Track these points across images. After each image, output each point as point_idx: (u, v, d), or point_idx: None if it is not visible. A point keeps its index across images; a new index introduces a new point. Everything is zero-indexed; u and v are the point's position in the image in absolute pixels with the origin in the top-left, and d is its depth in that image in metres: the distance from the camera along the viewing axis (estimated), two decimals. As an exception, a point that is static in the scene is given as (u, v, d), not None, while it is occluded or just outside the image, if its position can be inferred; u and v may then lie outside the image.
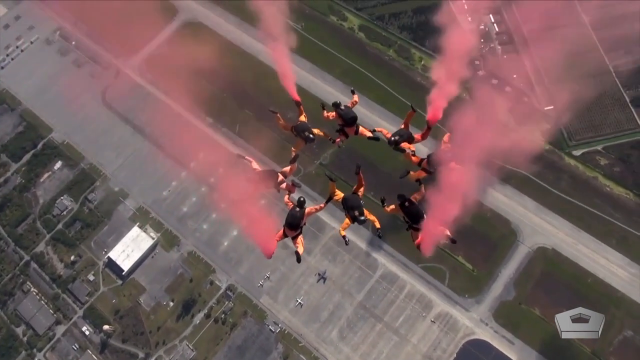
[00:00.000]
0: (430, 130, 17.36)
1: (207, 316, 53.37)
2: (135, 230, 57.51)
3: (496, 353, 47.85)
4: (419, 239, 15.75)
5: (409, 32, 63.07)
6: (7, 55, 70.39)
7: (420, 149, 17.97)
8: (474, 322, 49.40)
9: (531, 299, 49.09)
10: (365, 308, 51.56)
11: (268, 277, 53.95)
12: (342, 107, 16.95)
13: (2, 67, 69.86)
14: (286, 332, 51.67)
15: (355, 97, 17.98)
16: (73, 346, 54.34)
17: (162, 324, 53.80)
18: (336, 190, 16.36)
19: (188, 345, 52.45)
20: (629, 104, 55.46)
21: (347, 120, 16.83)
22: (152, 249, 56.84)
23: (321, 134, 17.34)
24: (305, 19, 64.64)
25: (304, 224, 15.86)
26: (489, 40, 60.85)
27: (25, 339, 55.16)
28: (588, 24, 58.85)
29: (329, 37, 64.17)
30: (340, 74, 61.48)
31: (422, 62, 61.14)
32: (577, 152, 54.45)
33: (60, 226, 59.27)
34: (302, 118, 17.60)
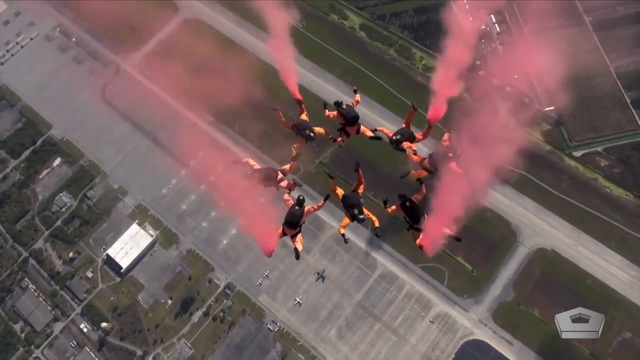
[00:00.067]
0: (431, 129, 17.32)
1: (206, 314, 53.30)
2: (134, 227, 57.41)
3: (495, 354, 47.79)
4: (421, 239, 15.69)
5: (410, 31, 62.93)
6: (7, 51, 70.18)
7: (421, 149, 17.90)
8: (472, 323, 49.35)
9: (530, 300, 49.03)
10: (364, 307, 51.50)
11: (267, 276, 53.89)
12: (344, 106, 16.93)
13: (2, 63, 69.63)
14: (284, 331, 51.61)
15: (357, 97, 17.98)
16: (71, 343, 54.26)
17: (161, 321, 53.72)
18: (337, 187, 16.35)
19: (186, 343, 52.38)
20: (630, 105, 55.36)
21: (349, 120, 16.80)
22: (150, 246, 56.75)
23: (322, 132, 17.28)
24: (306, 18, 64.52)
25: (303, 222, 15.83)
26: (490, 41, 60.71)
27: (23, 335, 55.08)
28: (589, 24, 58.80)
29: (330, 36, 64.04)
30: (341, 73, 61.35)
31: (423, 62, 61.01)
32: (577, 153, 54.35)
33: (59, 223, 59.16)
34: (304, 117, 17.56)
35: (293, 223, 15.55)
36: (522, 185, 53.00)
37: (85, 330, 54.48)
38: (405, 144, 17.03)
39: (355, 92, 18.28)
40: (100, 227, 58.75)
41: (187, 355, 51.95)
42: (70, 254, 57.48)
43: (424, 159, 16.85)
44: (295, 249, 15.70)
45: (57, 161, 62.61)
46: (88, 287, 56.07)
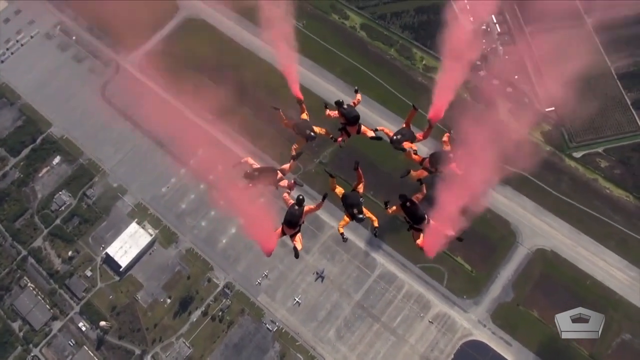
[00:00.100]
0: (431, 129, 17.29)
1: (204, 314, 53.23)
2: (134, 226, 57.33)
3: (493, 354, 47.75)
4: (421, 240, 15.66)
5: (410, 31, 62.88)
6: (7, 49, 70.10)
7: (421, 149, 17.85)
8: (471, 323, 49.30)
9: (530, 300, 48.99)
10: (363, 308, 51.44)
11: (266, 276, 53.82)
12: (345, 106, 16.91)
13: (2, 61, 69.56)
14: (283, 330, 51.55)
15: (358, 96, 18.00)
16: (69, 342, 54.18)
17: (159, 320, 53.65)
18: (336, 186, 16.34)
19: (185, 343, 52.32)
20: (630, 107, 55.36)
21: (350, 119, 16.80)
22: (150, 245, 56.66)
23: (323, 132, 17.27)
24: (307, 17, 64.48)
25: (303, 222, 15.80)
26: (491, 41, 60.68)
27: (21, 334, 54.99)
28: (590, 25, 58.71)
29: (330, 35, 63.97)
30: (341, 73, 61.29)
31: (424, 62, 60.95)
32: (577, 154, 54.32)
33: (58, 221, 59.07)
34: (304, 116, 17.55)
35: (292, 223, 15.52)
36: (522, 186, 52.96)
37: (83, 329, 54.41)
38: (406, 144, 16.99)
39: (356, 91, 18.32)
40: (99, 225, 58.67)
41: (186, 354, 51.89)
42: (69, 253, 57.39)
43: (425, 158, 16.81)
44: (295, 248, 15.67)
45: (57, 159, 62.52)
46: (87, 286, 56.00)
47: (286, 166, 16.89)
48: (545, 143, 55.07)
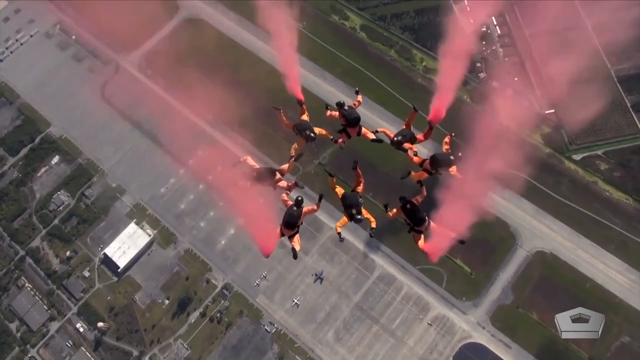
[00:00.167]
0: (432, 130, 17.22)
1: (203, 315, 53.03)
2: (132, 227, 57.14)
3: (493, 357, 47.63)
4: (424, 243, 15.59)
5: (410, 32, 62.87)
6: (7, 48, 69.93)
7: (421, 150, 17.78)
8: (471, 326, 49.17)
9: (529, 303, 48.88)
10: (362, 309, 51.28)
11: (264, 277, 53.65)
12: (346, 108, 16.86)
13: (1, 60, 69.38)
14: (282, 332, 51.37)
15: (359, 98, 17.97)
16: (67, 343, 53.93)
17: (157, 322, 53.43)
18: (336, 186, 16.30)
19: (183, 344, 52.11)
20: (630, 109, 55.39)
21: (351, 121, 16.74)
22: (148, 246, 56.47)
23: (323, 133, 17.21)
24: (307, 18, 64.37)
25: (301, 223, 15.72)
26: (491, 43, 60.71)
27: (18, 334, 54.73)
28: (590, 28, 58.73)
29: (330, 36, 63.93)
30: (341, 74, 61.23)
31: (424, 63, 60.91)
32: (577, 157, 54.29)
33: (56, 221, 58.87)
34: (305, 117, 17.49)
35: (291, 224, 15.43)
36: (521, 188, 52.84)
37: (81, 330, 54.17)
38: (407, 145, 16.93)
39: (357, 93, 18.28)
40: (97, 226, 58.47)
41: (184, 356, 51.66)
42: (67, 253, 57.17)
43: (425, 160, 16.73)
44: (293, 249, 15.58)
45: (56, 159, 62.34)
46: (85, 287, 55.76)
47: (285, 166, 16.79)
48: (544, 145, 55.02)
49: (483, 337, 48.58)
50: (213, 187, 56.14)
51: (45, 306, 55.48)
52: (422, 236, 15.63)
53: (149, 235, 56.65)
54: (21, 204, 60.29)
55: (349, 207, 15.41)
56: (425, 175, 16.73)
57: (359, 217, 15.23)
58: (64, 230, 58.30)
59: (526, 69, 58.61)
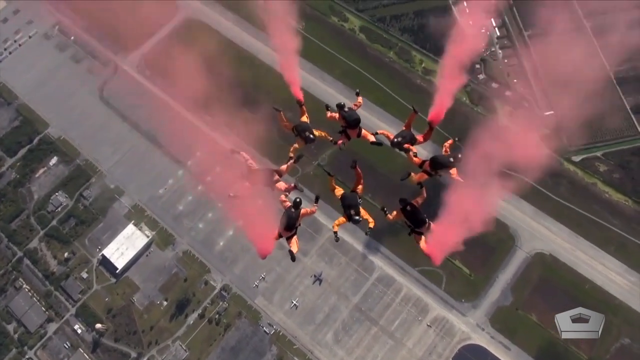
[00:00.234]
0: (432, 131, 17.16)
1: (201, 316, 52.85)
2: (130, 228, 56.97)
3: (492, 358, 47.53)
4: (425, 246, 15.53)
5: (410, 34, 62.85)
6: (5, 49, 69.86)
7: (420, 152, 17.70)
8: (470, 327, 49.07)
9: (528, 304, 48.79)
10: (361, 311, 51.15)
11: (263, 278, 53.50)
12: (346, 109, 16.85)
13: (0, 61, 69.26)
14: (281, 333, 51.20)
15: (359, 99, 17.95)
16: (65, 344, 53.71)
17: (155, 323, 53.25)
18: (335, 186, 16.30)
19: (181, 346, 51.91)
20: (629, 111, 55.34)
21: (351, 123, 16.73)
22: (146, 247, 56.30)
23: (322, 134, 17.20)
24: (306, 19, 64.30)
25: (299, 224, 15.68)
26: (490, 44, 60.73)
27: (16, 336, 54.49)
28: (589, 29, 58.80)
29: (329, 37, 63.88)
30: (340, 75, 61.17)
31: (423, 65, 60.90)
32: (576, 158, 54.24)
33: (54, 222, 58.68)
34: (304, 118, 17.47)
35: (289, 225, 15.39)
36: (521, 189, 52.78)
37: (79, 331, 53.95)
38: (407, 146, 16.90)
39: (357, 94, 18.23)
40: (96, 227, 58.29)
41: (182, 357, 51.48)
42: (65, 254, 56.98)
43: (425, 161, 16.67)
44: (290, 251, 15.52)
45: (54, 160, 62.19)
46: (83, 288, 55.56)
47: (283, 167, 16.73)
48: (543, 146, 54.91)
49: (482, 339, 48.48)
50: (211, 189, 55.97)
51: (43, 307, 55.27)
52: (424, 238, 15.58)
53: (147, 237, 56.48)
54: (19, 205, 60.10)
55: (348, 207, 15.41)
56: (425, 176, 16.68)
57: (357, 217, 15.25)
58: (62, 231, 58.11)
59: (525, 71, 58.63)
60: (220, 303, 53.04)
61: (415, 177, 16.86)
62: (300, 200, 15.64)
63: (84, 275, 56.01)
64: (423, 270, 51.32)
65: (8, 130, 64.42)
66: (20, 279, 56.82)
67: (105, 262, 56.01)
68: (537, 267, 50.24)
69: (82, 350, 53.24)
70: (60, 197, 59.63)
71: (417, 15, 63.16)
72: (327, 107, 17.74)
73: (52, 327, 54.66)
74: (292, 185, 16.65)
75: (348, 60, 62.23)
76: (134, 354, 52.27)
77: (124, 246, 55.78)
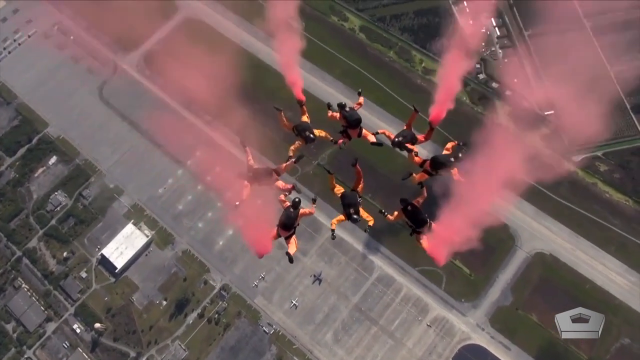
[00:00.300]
0: (433, 131, 17.11)
1: (201, 316, 52.76)
2: (130, 227, 56.88)
3: (492, 358, 47.49)
4: (427, 244, 15.49)
5: (410, 33, 62.78)
6: (4, 48, 69.67)
7: (421, 152, 17.64)
8: (470, 327, 49.00)
9: (528, 304, 48.74)
10: (361, 311, 51.07)
11: (263, 278, 53.42)
12: (347, 109, 16.83)
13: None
14: (280, 333, 51.13)
15: (361, 99, 17.94)
16: (63, 344, 53.61)
17: (155, 323, 53.16)
18: (336, 184, 16.31)
19: (180, 345, 51.83)
20: (630, 111, 55.28)
21: (351, 122, 16.72)
22: (146, 246, 56.20)
23: (322, 134, 17.17)
24: (306, 19, 64.04)
25: (298, 224, 15.64)
26: (490, 44, 60.67)
27: (15, 335, 54.38)
28: (589, 29, 58.75)
29: (329, 37, 63.76)
30: (340, 75, 61.09)
31: (423, 64, 60.82)
32: (576, 158, 54.14)
33: (53, 222, 58.56)
34: (305, 118, 17.46)
35: (287, 225, 15.36)
36: (521, 189, 52.70)
37: (78, 331, 53.85)
38: (408, 146, 16.86)
39: (359, 94, 18.19)
40: (95, 226, 58.18)
41: (181, 357, 51.39)
42: (65, 254, 56.87)
43: (425, 161, 16.63)
44: (288, 253, 15.46)
45: (53, 160, 62.06)
46: (82, 287, 55.45)
47: (282, 166, 16.69)
48: (544, 146, 54.83)
49: (482, 339, 48.42)
50: (211, 187, 55.84)
51: (42, 307, 55.18)
52: (426, 238, 15.55)
53: (147, 236, 56.39)
54: (18, 204, 59.97)
55: (347, 206, 15.46)
56: (426, 176, 16.64)
57: (356, 217, 15.24)
58: (61, 230, 58.00)
59: (525, 70, 58.54)
60: (220, 303, 52.96)
61: (416, 177, 16.82)
62: (300, 200, 15.60)
63: (83, 274, 55.91)
64: (423, 270, 51.25)
65: (7, 129, 64.27)
66: (19, 279, 56.71)
67: (105, 262, 55.91)
68: (537, 267, 50.18)
69: (81, 350, 53.16)
70: (60, 197, 59.52)
71: (417, 15, 63.10)
72: (329, 106, 17.71)
73: (51, 327, 54.56)
74: (291, 185, 16.61)
75: (348, 59, 62.15)
76: (133, 354, 52.19)
77: (123, 246, 55.69)
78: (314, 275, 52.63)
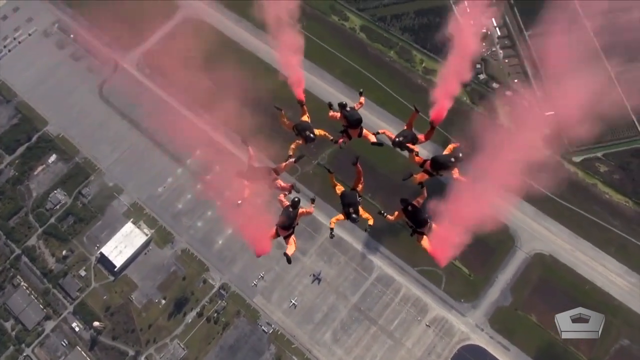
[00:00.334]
0: (433, 130, 17.06)
1: (199, 315, 52.73)
2: (129, 226, 56.85)
3: (491, 359, 47.41)
4: (428, 244, 15.46)
5: (410, 33, 62.69)
6: (5, 46, 69.74)
7: (421, 153, 17.60)
8: (469, 327, 48.96)
9: (528, 305, 48.68)
10: (360, 310, 51.04)
11: (262, 277, 53.38)
12: (348, 109, 16.80)
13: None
14: (279, 332, 51.09)
15: (362, 99, 17.92)
16: (62, 342, 53.59)
17: (154, 321, 53.13)
18: (336, 183, 16.30)
19: (179, 344, 51.80)
20: (630, 111, 55.17)
21: (352, 122, 16.71)
22: (145, 245, 56.17)
23: (323, 134, 17.15)
24: (307, 18, 64.10)
25: (297, 224, 15.60)
26: (491, 44, 60.59)
27: (13, 333, 54.40)
28: (590, 30, 58.61)
29: (330, 36, 63.69)
30: (341, 74, 61.01)
31: (423, 64, 60.73)
32: (577, 159, 54.12)
33: (52, 220, 58.53)
34: (305, 118, 17.43)
35: (286, 224, 15.31)
36: (520, 190, 52.59)
37: (77, 329, 53.83)
38: (409, 146, 16.83)
39: (360, 94, 18.15)
40: (94, 225, 58.15)
41: (180, 356, 51.36)
42: (64, 252, 56.84)
43: (426, 160, 16.59)
44: (286, 254, 15.38)
45: (52, 158, 62.04)
46: (81, 286, 55.44)
47: (281, 165, 16.65)
48: (544, 147, 54.80)
49: (481, 339, 48.38)
50: (210, 185, 55.79)
51: (40, 305, 55.16)
52: (427, 238, 15.51)
53: (146, 235, 56.35)
54: (17, 202, 59.96)
55: (347, 205, 15.44)
56: (426, 176, 16.61)
57: (355, 216, 15.22)
58: (60, 229, 57.97)
59: (526, 71, 58.51)
60: (219, 302, 52.92)
61: (416, 177, 16.79)
62: (299, 200, 15.56)
63: (82, 273, 55.88)
64: (422, 270, 51.20)
65: (7, 127, 64.35)
66: (18, 277, 56.71)
67: (104, 260, 55.88)
68: (536, 268, 50.13)
69: (79, 348, 53.14)
70: (59, 195, 59.49)
71: (417, 15, 62.98)
72: (330, 106, 17.67)
73: (49, 325, 54.54)
74: (290, 186, 16.59)
75: (348, 59, 62.07)
76: (131, 352, 52.16)
77: (123, 244, 55.65)
78: (313, 275, 52.58)
